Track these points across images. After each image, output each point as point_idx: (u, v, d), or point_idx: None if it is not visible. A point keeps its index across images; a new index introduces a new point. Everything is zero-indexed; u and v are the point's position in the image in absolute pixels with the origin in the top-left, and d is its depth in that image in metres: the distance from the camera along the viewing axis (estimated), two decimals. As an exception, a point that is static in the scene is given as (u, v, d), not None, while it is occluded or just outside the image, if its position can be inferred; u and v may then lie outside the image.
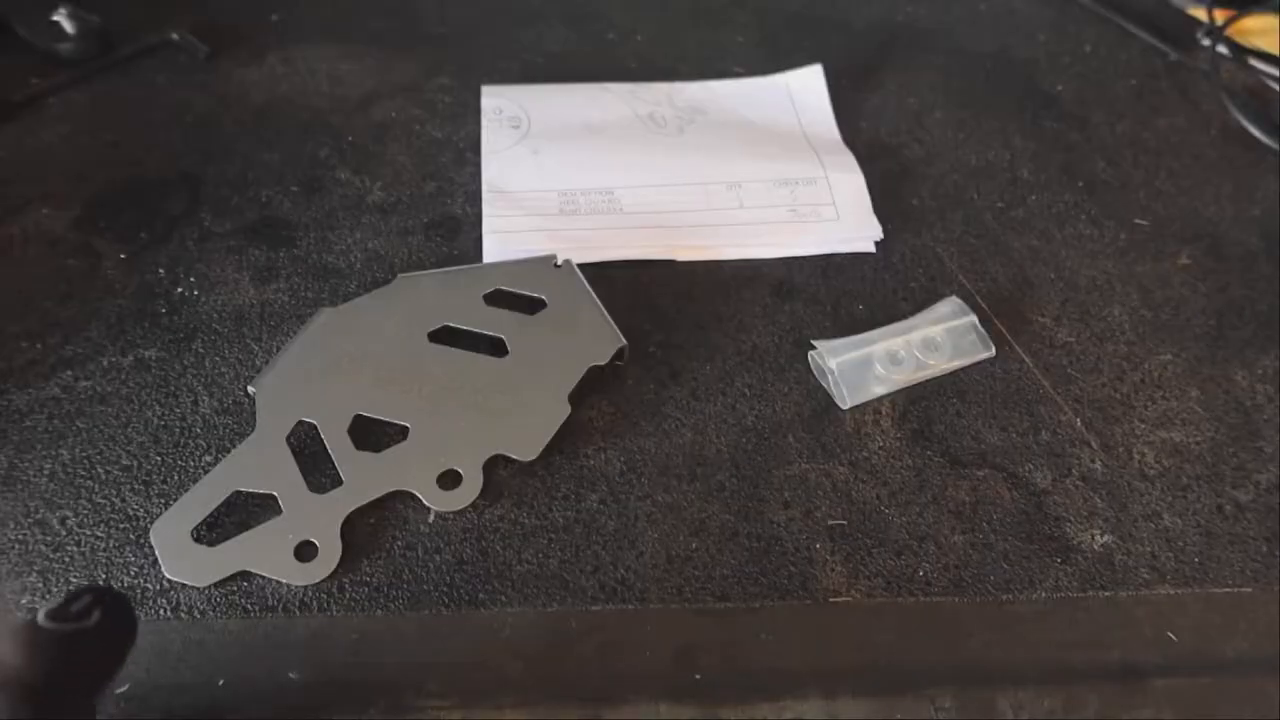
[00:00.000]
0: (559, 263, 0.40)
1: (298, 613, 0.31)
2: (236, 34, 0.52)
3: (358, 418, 0.35)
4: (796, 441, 0.36)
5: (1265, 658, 0.32)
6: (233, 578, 0.31)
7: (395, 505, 0.34)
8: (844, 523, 0.34)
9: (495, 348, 0.37)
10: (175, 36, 0.51)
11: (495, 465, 0.34)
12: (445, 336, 0.37)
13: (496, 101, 0.49)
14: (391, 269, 0.41)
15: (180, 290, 0.40)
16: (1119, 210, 0.47)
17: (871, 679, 0.30)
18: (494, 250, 0.42)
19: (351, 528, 0.33)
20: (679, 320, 0.40)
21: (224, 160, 0.45)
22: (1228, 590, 0.33)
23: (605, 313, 0.38)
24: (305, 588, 0.31)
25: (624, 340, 0.37)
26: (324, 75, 0.50)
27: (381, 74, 0.51)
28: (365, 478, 0.33)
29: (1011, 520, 0.35)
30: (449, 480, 0.34)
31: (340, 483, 0.33)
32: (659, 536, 0.33)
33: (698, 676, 0.30)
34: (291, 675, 0.30)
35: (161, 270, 0.40)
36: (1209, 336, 0.41)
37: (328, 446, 0.34)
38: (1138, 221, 0.46)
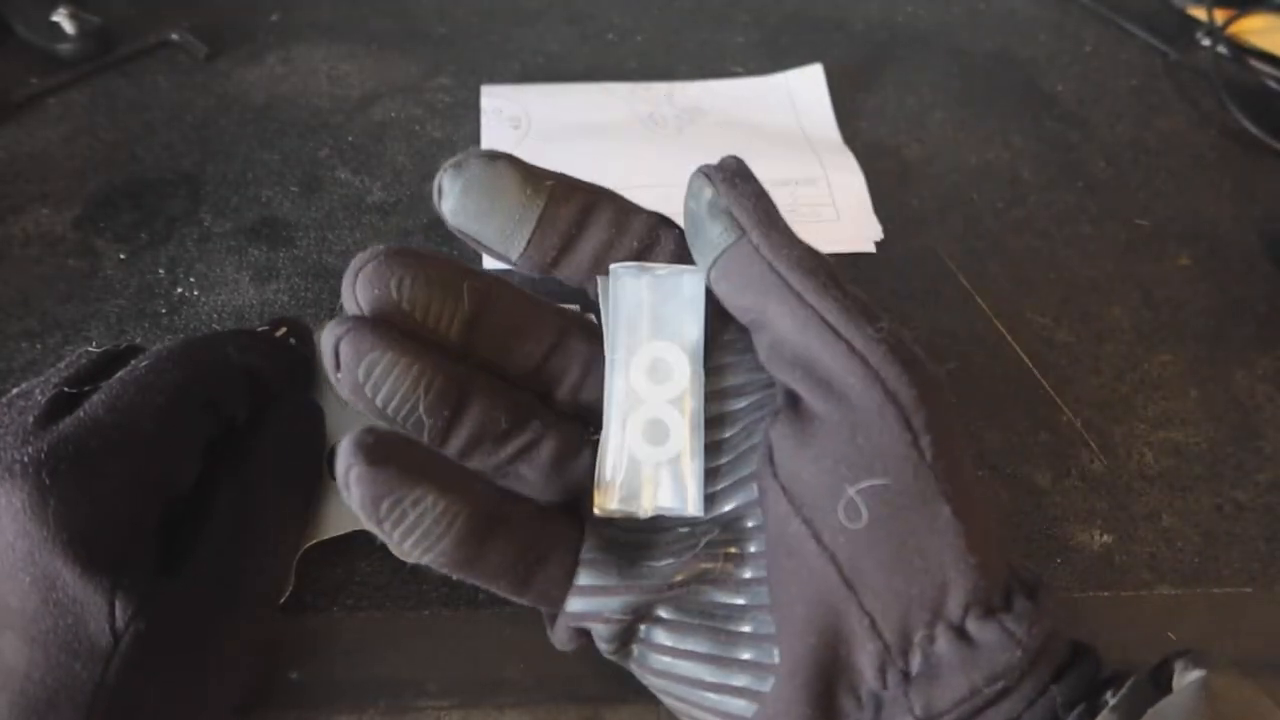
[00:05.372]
0: None
1: (299, 613, 0.31)
2: (236, 34, 0.52)
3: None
4: (796, 441, 0.36)
5: (1265, 658, 0.32)
6: None
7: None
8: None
9: None
10: (175, 36, 0.51)
11: None
12: None
13: (496, 101, 0.49)
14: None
15: (180, 290, 0.40)
16: (1119, 210, 0.47)
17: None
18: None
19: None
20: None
21: (224, 160, 0.45)
22: (1228, 590, 0.33)
23: None
24: (304, 587, 0.31)
25: None
26: (324, 75, 0.50)
27: (381, 74, 0.51)
28: (331, 511, 0.32)
29: (1011, 520, 0.35)
30: None
31: None
32: (659, 536, 0.33)
33: (698, 676, 0.30)
34: (292, 675, 0.30)
35: (161, 270, 0.40)
36: (1209, 336, 0.41)
37: None
38: (1138, 221, 0.46)
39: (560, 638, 0.27)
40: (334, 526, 0.31)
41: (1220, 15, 0.56)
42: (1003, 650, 0.23)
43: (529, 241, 0.27)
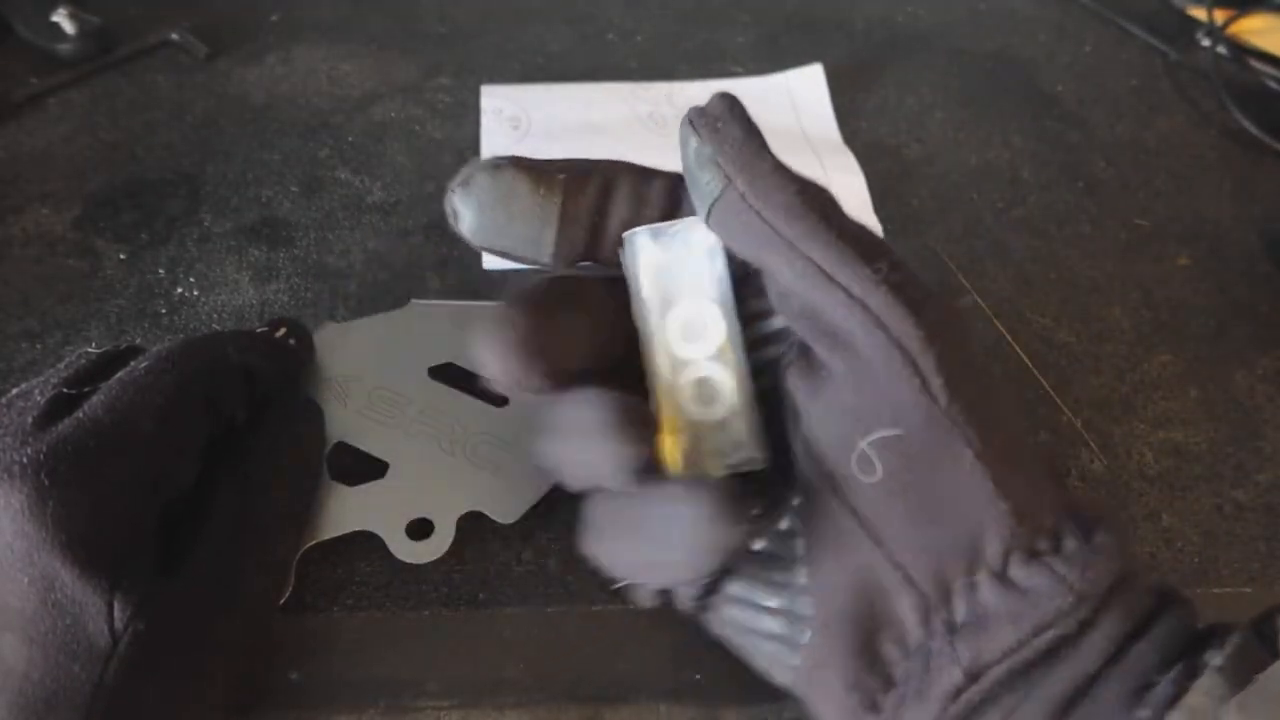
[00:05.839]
0: None
1: (299, 613, 0.31)
2: (236, 34, 0.52)
3: (339, 445, 0.33)
4: (796, 441, 0.36)
5: (1265, 658, 0.32)
6: None
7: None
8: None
9: (497, 396, 0.34)
10: (175, 36, 0.51)
11: (471, 520, 0.32)
12: (447, 374, 0.35)
13: (496, 101, 0.49)
14: (392, 270, 0.41)
15: (180, 290, 0.40)
16: (1119, 210, 0.47)
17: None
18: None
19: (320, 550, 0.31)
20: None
21: (224, 160, 0.45)
22: (1228, 590, 0.33)
23: None
24: (304, 587, 0.31)
25: None
26: (324, 75, 0.50)
27: (381, 74, 0.51)
28: (331, 511, 0.31)
29: (1011, 520, 0.35)
30: (419, 529, 0.31)
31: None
32: (659, 536, 0.33)
33: (698, 676, 0.30)
34: (291, 675, 0.30)
35: (161, 270, 0.40)
36: (1209, 336, 0.41)
37: None
38: (1138, 221, 0.46)
39: (644, 596, 0.27)
40: (334, 526, 0.31)
41: (1220, 15, 0.56)
42: (1052, 596, 0.22)
43: (555, 241, 0.26)
